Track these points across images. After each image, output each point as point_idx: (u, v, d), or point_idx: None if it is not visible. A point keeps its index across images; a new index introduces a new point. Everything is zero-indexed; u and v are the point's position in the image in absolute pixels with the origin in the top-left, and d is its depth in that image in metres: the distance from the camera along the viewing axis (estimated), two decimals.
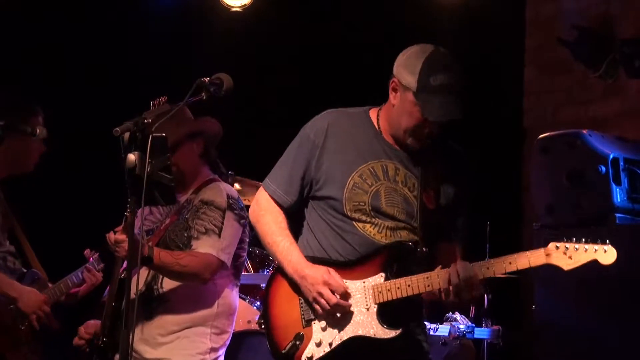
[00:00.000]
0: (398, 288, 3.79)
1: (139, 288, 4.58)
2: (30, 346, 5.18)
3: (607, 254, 3.64)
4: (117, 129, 3.76)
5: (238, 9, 7.44)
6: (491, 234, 6.01)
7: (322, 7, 7.64)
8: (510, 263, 3.71)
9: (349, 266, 3.90)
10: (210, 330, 4.65)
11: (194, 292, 4.57)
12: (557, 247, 3.66)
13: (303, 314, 3.94)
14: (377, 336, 3.79)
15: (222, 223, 4.57)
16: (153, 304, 4.69)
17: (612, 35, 6.69)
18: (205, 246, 4.53)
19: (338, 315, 3.84)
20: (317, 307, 3.86)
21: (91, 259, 5.37)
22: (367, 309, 3.83)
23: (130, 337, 3.71)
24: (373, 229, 3.92)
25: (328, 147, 4.00)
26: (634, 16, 6.66)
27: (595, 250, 3.64)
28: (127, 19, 7.64)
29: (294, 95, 7.28)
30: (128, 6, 7.65)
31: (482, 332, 5.98)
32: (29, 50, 7.42)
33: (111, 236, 4.41)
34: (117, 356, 4.39)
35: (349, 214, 3.94)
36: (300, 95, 7.22)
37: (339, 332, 3.85)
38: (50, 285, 5.32)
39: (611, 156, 5.33)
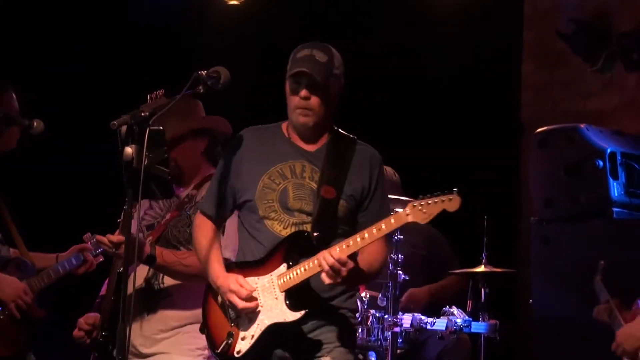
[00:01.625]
0: (297, 273, 4.04)
1: (140, 283, 4.62)
2: (11, 335, 5.15)
3: (452, 202, 3.82)
4: (115, 122, 3.78)
5: (235, 2, 7.45)
6: (488, 228, 6.01)
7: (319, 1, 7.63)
8: (379, 229, 3.93)
9: (259, 264, 4.16)
10: None
11: (196, 288, 4.56)
12: (414, 206, 3.88)
13: (229, 316, 4.21)
14: (287, 320, 4.05)
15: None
16: (154, 299, 4.70)
17: (610, 28, 6.69)
18: None
19: (251, 312, 4.10)
20: (231, 310, 4.18)
21: (89, 242, 5.27)
22: (276, 298, 4.08)
23: (128, 330, 3.73)
24: (279, 225, 4.17)
25: (243, 158, 4.27)
26: (631, 9, 6.66)
27: (443, 201, 3.83)
28: (125, 12, 7.63)
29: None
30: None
31: (479, 326, 5.98)
32: (24, 39, 7.42)
33: (109, 238, 4.48)
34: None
35: (261, 214, 4.19)
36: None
37: (258, 324, 4.11)
38: (38, 271, 5.27)
39: (608, 150, 5.34)
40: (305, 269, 4.02)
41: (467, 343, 6.26)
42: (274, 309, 4.08)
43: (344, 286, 4.11)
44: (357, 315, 5.59)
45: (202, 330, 4.34)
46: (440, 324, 6.00)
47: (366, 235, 3.95)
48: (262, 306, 4.11)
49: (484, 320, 6.00)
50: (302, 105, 4.18)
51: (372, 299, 6.17)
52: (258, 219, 4.20)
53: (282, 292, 4.07)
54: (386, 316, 5.98)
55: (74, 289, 5.47)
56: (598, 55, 6.69)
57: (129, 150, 3.76)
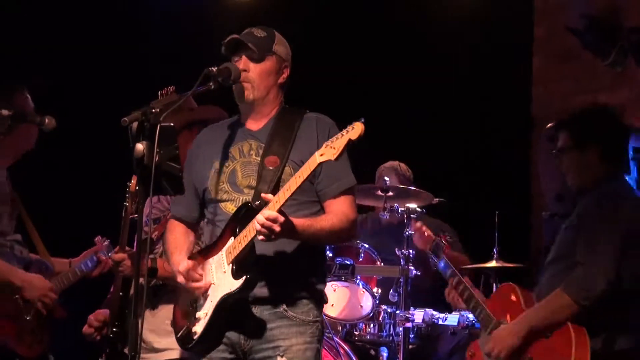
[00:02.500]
0: (239, 242, 4.05)
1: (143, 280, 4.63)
2: (36, 336, 5.18)
3: (355, 130, 3.82)
4: (125, 118, 3.76)
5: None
6: (500, 223, 5.99)
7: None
8: (299, 177, 3.94)
9: (215, 245, 4.19)
10: None
11: None
12: (325, 146, 3.89)
13: (188, 301, 4.24)
14: (234, 289, 4.03)
15: None
16: (158, 295, 4.72)
17: (620, 23, 6.67)
18: None
19: (205, 291, 4.13)
20: (188, 294, 4.22)
21: (102, 245, 5.40)
22: (225, 272, 4.09)
23: (139, 326, 3.73)
24: (232, 204, 4.21)
25: (198, 155, 4.36)
26: None
27: (347, 131, 3.84)
28: (136, 9, 7.64)
29: (300, 85, 7.28)
30: None
31: None
32: (35, 36, 7.43)
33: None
34: (127, 346, 4.41)
35: (215, 197, 4.24)
36: (306, 86, 7.21)
37: (211, 301, 4.11)
38: (56, 273, 5.34)
39: None
40: (245, 236, 4.03)
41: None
42: (223, 283, 4.08)
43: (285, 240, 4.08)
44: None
45: (172, 324, 4.36)
46: (452, 319, 6.00)
47: (290, 185, 3.94)
48: (214, 284, 4.12)
49: None
50: (243, 77, 4.22)
51: (384, 295, 6.16)
52: (214, 203, 4.25)
53: (229, 264, 4.08)
54: (398, 311, 5.98)
55: (82, 287, 5.52)
56: (608, 50, 6.67)
57: (140, 146, 3.75)
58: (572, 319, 4.51)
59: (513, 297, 4.85)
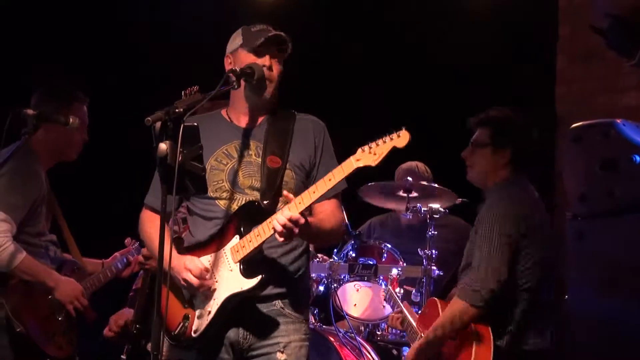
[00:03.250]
0: (250, 241, 4.08)
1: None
2: (66, 337, 5.21)
3: (401, 138, 3.87)
4: (149, 118, 3.78)
5: None
6: None
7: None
8: (329, 180, 3.96)
9: (210, 242, 4.20)
10: None
11: None
12: (363, 150, 3.90)
13: (184, 298, 4.22)
14: (244, 289, 4.06)
15: None
16: None
17: None
18: None
19: (207, 289, 4.12)
20: (186, 291, 4.19)
21: (132, 247, 5.49)
22: (231, 270, 4.10)
23: (162, 325, 3.75)
24: (233, 203, 4.21)
25: None
26: None
27: (392, 139, 3.87)
28: (159, 10, 7.66)
29: (322, 85, 7.28)
30: None
31: None
32: (62, 37, 7.47)
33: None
34: (149, 343, 4.42)
35: (211, 194, 4.22)
36: (327, 86, 7.21)
37: (214, 299, 4.12)
38: (89, 274, 5.39)
39: None
40: (258, 235, 4.05)
41: None
42: (229, 281, 4.10)
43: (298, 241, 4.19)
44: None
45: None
46: None
47: (318, 187, 3.97)
48: (217, 281, 4.13)
49: None
50: (266, 74, 4.25)
51: (407, 294, 6.15)
52: (209, 200, 4.24)
53: (236, 262, 4.10)
54: (420, 311, 5.95)
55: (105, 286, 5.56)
56: (634, 50, 6.63)
57: (163, 146, 3.76)
58: (475, 320, 4.74)
59: (435, 311, 5.04)
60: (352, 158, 3.91)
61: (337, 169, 3.97)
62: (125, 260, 5.48)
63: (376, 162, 3.88)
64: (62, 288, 5.15)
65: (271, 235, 4.02)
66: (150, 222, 4.34)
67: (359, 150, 3.91)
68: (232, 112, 4.39)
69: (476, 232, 4.94)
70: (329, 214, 4.26)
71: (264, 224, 4.04)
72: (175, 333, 4.22)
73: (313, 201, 4.00)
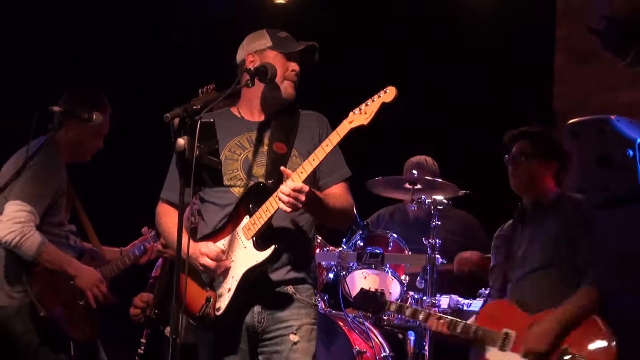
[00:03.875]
0: (259, 217, 4.09)
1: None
2: (88, 321, 5.24)
3: (388, 94, 3.89)
4: (168, 115, 3.80)
5: (282, 1, 7.45)
6: None
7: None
8: (327, 145, 4.00)
9: (225, 226, 4.22)
10: None
11: None
12: (355, 112, 3.93)
13: (204, 282, 4.23)
14: (259, 261, 4.07)
15: None
16: None
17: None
18: None
19: (225, 270, 4.13)
20: (205, 274, 4.20)
21: (148, 235, 5.51)
22: (245, 247, 4.11)
23: (181, 310, 3.75)
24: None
25: None
26: None
27: (380, 96, 3.90)
28: (178, 13, 7.66)
29: (335, 86, 7.27)
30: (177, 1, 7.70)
31: None
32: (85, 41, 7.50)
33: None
34: (167, 328, 4.44)
35: (226, 183, 4.23)
36: (340, 87, 7.20)
37: (232, 277, 4.13)
38: (107, 261, 5.41)
39: (638, 140, 5.27)
40: (266, 210, 4.06)
41: None
42: (245, 258, 4.11)
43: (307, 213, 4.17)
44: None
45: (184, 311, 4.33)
46: (476, 305, 5.99)
47: (317, 155, 4.00)
48: (233, 261, 4.14)
49: None
50: (294, 78, 4.31)
51: (412, 281, 6.15)
52: (224, 189, 4.25)
53: (249, 239, 4.11)
54: (424, 298, 5.97)
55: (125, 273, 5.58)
56: (628, 51, 6.61)
57: (181, 141, 3.78)
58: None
59: (500, 314, 5.12)
60: (345, 121, 3.95)
61: (332, 133, 4.01)
62: (142, 247, 5.49)
63: (368, 121, 3.90)
64: (82, 276, 5.18)
65: (278, 208, 4.02)
66: (166, 215, 4.35)
67: (351, 113, 3.95)
68: (243, 107, 4.40)
69: (573, 238, 5.06)
70: (338, 195, 4.27)
71: (270, 198, 4.05)
72: (199, 315, 4.22)
73: (314, 167, 4.01)
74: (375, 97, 3.92)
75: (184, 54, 7.51)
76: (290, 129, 4.29)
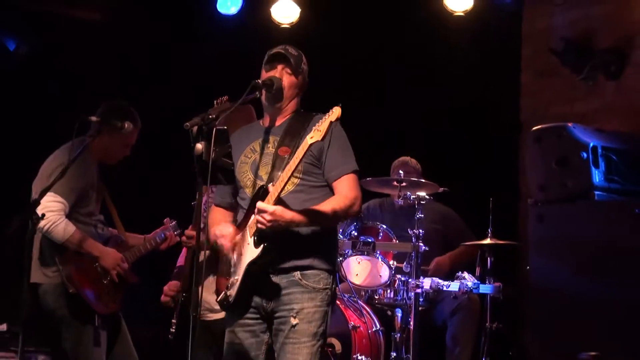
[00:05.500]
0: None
1: (207, 254, 4.73)
2: (111, 297, 5.29)
3: (334, 114, 3.90)
4: (187, 123, 3.82)
5: (287, 26, 7.45)
6: (493, 208, 5.99)
7: (364, 23, 7.49)
8: (296, 159, 3.96)
9: (242, 222, 4.22)
10: None
11: None
12: (314, 130, 3.92)
13: (229, 272, 4.23)
14: (255, 256, 4.05)
15: None
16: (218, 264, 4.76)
17: (593, 45, 6.64)
18: None
19: (239, 260, 4.14)
20: (228, 265, 4.23)
21: (169, 225, 5.54)
22: (249, 244, 4.10)
23: (200, 292, 3.78)
24: (254, 190, 4.21)
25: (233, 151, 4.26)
26: (610, 30, 6.60)
27: (328, 116, 3.90)
28: (195, 36, 7.64)
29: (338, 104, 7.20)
30: (194, 21, 7.67)
31: (485, 288, 5.96)
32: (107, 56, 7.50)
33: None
34: None
35: (241, 184, 4.26)
36: (344, 107, 7.15)
37: (240, 269, 4.14)
38: (131, 246, 5.46)
39: (591, 144, 5.29)
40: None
41: (476, 302, 6.24)
42: (248, 253, 4.11)
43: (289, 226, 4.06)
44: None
45: (215, 291, 4.36)
46: (454, 286, 5.98)
47: (291, 165, 3.97)
48: (242, 255, 4.14)
49: (489, 283, 5.98)
50: (284, 87, 4.24)
51: (399, 267, 6.16)
52: (241, 189, 4.27)
53: (251, 237, 4.09)
54: (410, 280, 5.97)
55: (151, 260, 5.63)
56: (583, 67, 6.63)
57: (199, 146, 3.81)
58: None
59: None
60: (307, 137, 3.94)
61: (299, 149, 3.99)
62: (163, 235, 5.53)
63: (322, 136, 3.88)
64: (105, 257, 5.26)
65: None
66: (211, 212, 4.42)
67: (312, 130, 3.93)
68: (263, 117, 4.41)
69: None
70: (336, 195, 4.17)
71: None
72: (220, 300, 4.28)
73: (289, 176, 3.98)
74: (326, 117, 3.90)
75: (201, 71, 7.45)
76: (298, 133, 4.20)
